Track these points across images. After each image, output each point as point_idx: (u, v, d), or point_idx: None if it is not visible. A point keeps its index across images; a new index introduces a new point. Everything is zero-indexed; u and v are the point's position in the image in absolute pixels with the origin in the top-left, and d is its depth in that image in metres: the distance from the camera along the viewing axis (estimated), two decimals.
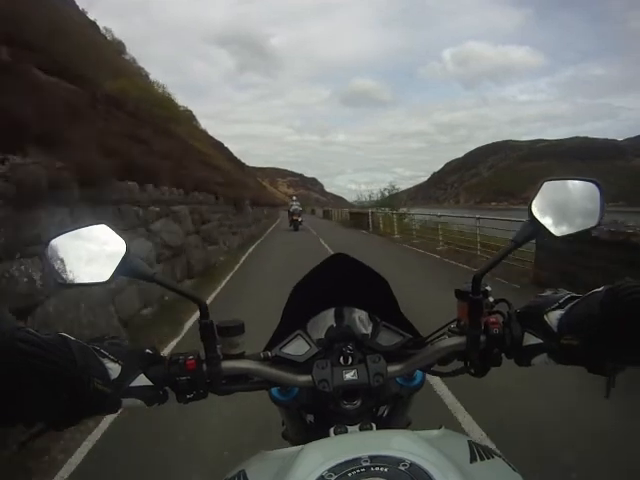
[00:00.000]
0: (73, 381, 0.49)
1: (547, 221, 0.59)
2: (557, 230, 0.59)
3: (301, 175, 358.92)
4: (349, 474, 0.44)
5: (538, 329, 0.58)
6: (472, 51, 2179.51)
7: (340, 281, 0.69)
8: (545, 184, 0.60)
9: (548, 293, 0.61)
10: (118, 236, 0.59)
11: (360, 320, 0.72)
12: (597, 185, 0.60)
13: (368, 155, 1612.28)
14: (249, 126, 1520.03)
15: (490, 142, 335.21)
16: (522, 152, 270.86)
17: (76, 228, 0.60)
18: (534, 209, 0.59)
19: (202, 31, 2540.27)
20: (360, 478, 0.44)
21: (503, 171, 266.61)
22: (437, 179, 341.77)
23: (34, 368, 0.46)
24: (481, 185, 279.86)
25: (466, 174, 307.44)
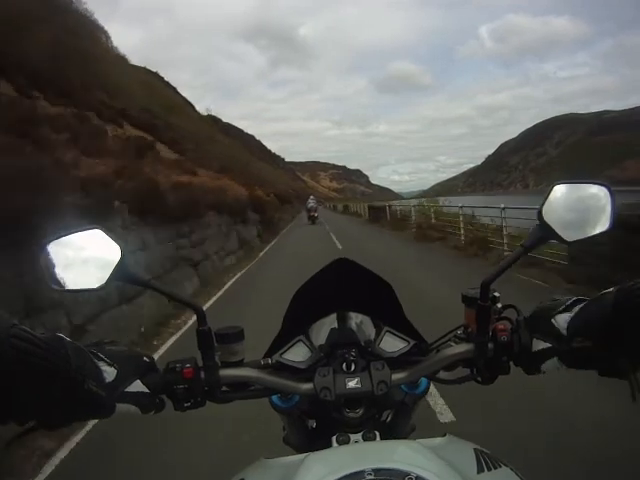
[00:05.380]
0: (67, 381, 0.52)
1: (558, 225, 0.63)
2: (568, 235, 0.63)
3: (344, 167, 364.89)
4: None
5: (547, 333, 0.62)
6: (510, 25, 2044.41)
7: (343, 286, 0.72)
8: (555, 187, 0.65)
9: (554, 298, 0.65)
10: (113, 241, 0.63)
11: (363, 325, 0.75)
12: (608, 189, 0.64)
13: (410, 144, 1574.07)
14: (286, 124, 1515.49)
15: (551, 117, 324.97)
16: (588, 125, 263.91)
17: (71, 232, 0.64)
18: (544, 213, 0.63)
19: (227, 28, 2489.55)
20: None
21: (573, 148, 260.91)
22: (495, 162, 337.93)
23: (27, 365, 0.48)
24: (551, 165, 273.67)
25: (531, 154, 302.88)
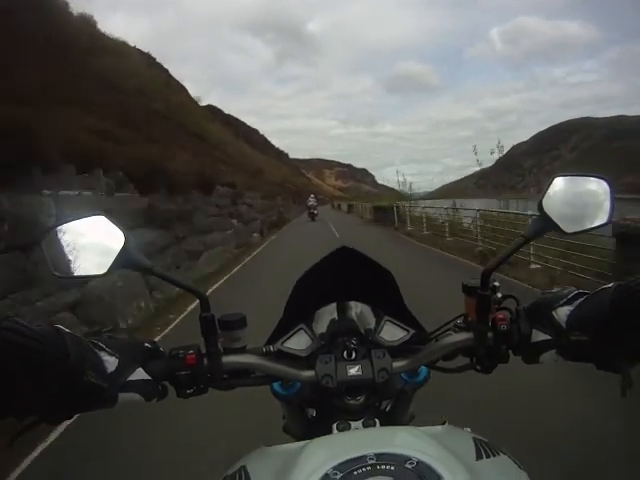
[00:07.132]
0: (66, 373, 0.52)
1: (558, 217, 0.64)
2: (567, 227, 0.65)
3: (349, 165, 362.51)
4: (355, 472, 0.47)
5: (546, 325, 0.64)
6: (521, 27, 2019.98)
7: (344, 275, 0.74)
8: (556, 180, 0.66)
9: (556, 290, 0.67)
10: (116, 227, 0.63)
11: (363, 314, 0.78)
12: (607, 182, 0.66)
13: (415, 146, 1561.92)
14: (292, 121, 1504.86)
15: (565, 120, 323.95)
16: (606, 130, 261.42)
17: (74, 219, 0.64)
18: (545, 205, 0.64)
19: (234, 20, 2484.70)
20: (366, 476, 0.47)
21: (589, 152, 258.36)
22: (507, 164, 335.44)
23: (21, 358, 0.48)
24: (566, 169, 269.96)
25: (545, 157, 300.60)
